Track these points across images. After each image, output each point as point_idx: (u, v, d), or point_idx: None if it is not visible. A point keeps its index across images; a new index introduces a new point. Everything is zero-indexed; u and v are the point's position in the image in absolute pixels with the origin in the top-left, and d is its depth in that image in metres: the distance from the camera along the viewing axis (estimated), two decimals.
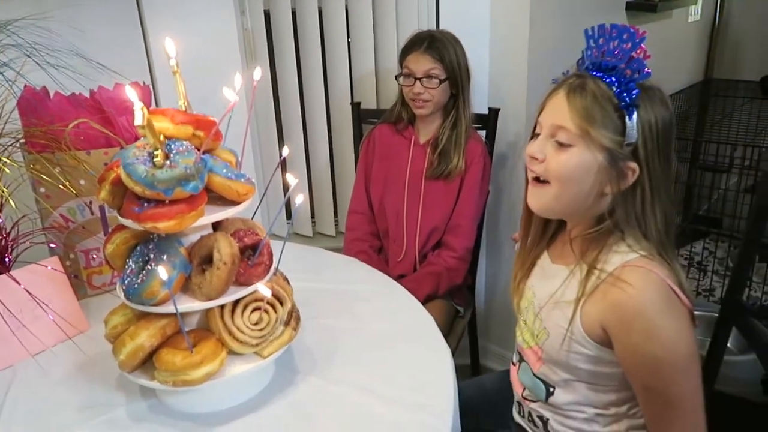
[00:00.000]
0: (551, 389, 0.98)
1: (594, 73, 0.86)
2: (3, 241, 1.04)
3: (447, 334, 1.59)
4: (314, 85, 1.91)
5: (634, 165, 0.85)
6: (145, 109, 0.69)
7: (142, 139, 0.76)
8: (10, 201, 0.95)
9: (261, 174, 1.98)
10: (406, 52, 1.59)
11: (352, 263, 1.36)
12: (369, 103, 1.93)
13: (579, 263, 0.91)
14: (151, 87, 1.61)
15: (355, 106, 1.87)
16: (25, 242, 1.06)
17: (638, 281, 0.83)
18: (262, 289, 0.79)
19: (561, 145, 0.86)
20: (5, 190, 0.94)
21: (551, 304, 0.95)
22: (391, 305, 1.14)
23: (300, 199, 0.82)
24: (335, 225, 2.11)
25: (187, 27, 1.70)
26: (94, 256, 1.19)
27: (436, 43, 1.55)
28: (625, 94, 0.83)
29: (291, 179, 0.81)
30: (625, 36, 0.84)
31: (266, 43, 1.86)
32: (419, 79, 1.54)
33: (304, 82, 1.92)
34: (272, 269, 0.86)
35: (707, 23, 2.97)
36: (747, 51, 3.22)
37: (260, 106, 1.93)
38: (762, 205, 1.04)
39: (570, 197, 0.88)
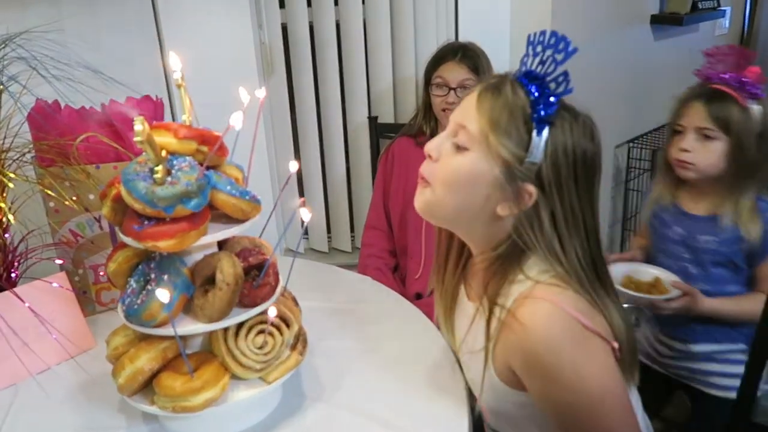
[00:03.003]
0: None
1: (519, 78, 0.77)
2: (10, 256, 1.02)
3: None
4: (331, 99, 1.89)
5: (531, 188, 0.74)
6: (146, 123, 0.66)
7: (143, 154, 0.73)
8: (9, 217, 0.93)
9: (276, 189, 1.96)
10: (438, 62, 1.55)
11: (364, 282, 1.32)
12: (386, 117, 1.90)
13: (483, 299, 0.80)
14: (166, 101, 1.61)
15: (372, 120, 1.85)
16: (32, 258, 1.04)
17: (528, 317, 0.73)
18: (270, 311, 0.75)
19: (458, 148, 0.77)
20: (8, 206, 0.93)
21: (467, 352, 0.87)
22: (403, 327, 1.10)
23: (308, 216, 0.79)
24: (351, 240, 2.07)
25: (204, 41, 1.70)
26: (103, 272, 1.17)
27: (469, 53, 1.53)
28: (540, 106, 0.73)
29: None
30: (560, 46, 0.75)
31: (283, 57, 1.85)
32: (454, 89, 1.51)
33: (321, 96, 1.90)
34: (278, 290, 0.82)
35: (735, 37, 2.89)
36: None
37: (277, 120, 1.91)
38: None
39: (454, 206, 0.78)
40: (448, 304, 0.92)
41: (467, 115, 0.77)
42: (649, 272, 1.30)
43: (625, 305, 1.22)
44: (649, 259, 1.37)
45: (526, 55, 0.78)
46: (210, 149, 0.77)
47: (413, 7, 1.81)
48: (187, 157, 0.74)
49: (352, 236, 2.07)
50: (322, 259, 2.02)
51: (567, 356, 0.73)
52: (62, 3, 1.42)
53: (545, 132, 0.73)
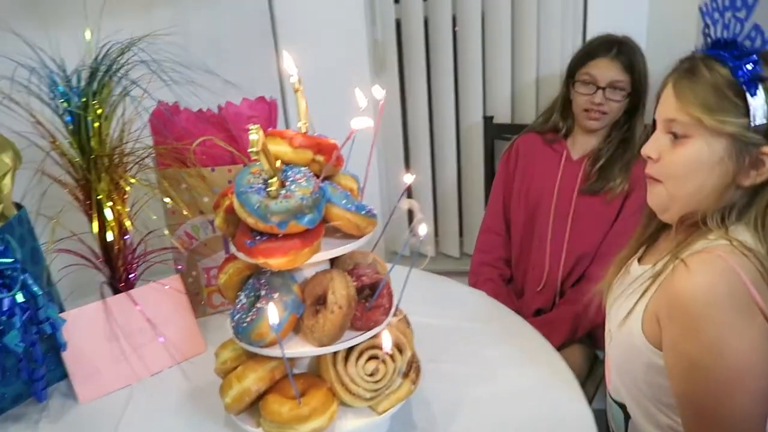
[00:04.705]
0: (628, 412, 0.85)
1: (709, 51, 0.76)
2: (129, 257, 1.04)
3: (584, 379, 1.40)
4: (444, 97, 1.80)
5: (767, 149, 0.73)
6: (261, 132, 0.61)
7: (258, 162, 0.69)
8: (127, 223, 0.93)
9: (384, 191, 1.90)
10: (588, 56, 1.41)
11: (478, 297, 1.23)
12: (503, 117, 1.79)
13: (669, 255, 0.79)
14: (280, 102, 1.60)
15: (488, 120, 1.74)
16: (149, 260, 1.05)
17: (697, 266, 0.71)
18: (385, 340, 0.69)
19: (677, 138, 0.77)
20: (126, 210, 0.93)
21: (619, 299, 0.86)
22: (523, 353, 1.00)
23: (424, 231, 0.71)
24: (460, 246, 1.98)
25: (319, 41, 1.67)
26: (214, 276, 1.16)
27: (625, 49, 1.37)
28: (742, 69, 0.72)
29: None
30: (738, 3, 0.73)
31: (396, 54, 1.79)
32: (602, 88, 1.37)
33: (434, 94, 1.82)
34: (392, 312, 0.76)
35: None
36: None
37: (387, 117, 1.85)
38: None
39: (689, 194, 0.78)
40: (616, 273, 0.92)
41: (670, 108, 0.77)
42: None
43: None
44: None
45: (706, 25, 0.77)
46: (326, 159, 0.71)
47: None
48: (303, 168, 0.70)
49: (461, 241, 1.98)
50: (428, 265, 1.94)
51: (720, 315, 0.70)
52: (184, 4, 1.44)
53: (760, 91, 0.72)
